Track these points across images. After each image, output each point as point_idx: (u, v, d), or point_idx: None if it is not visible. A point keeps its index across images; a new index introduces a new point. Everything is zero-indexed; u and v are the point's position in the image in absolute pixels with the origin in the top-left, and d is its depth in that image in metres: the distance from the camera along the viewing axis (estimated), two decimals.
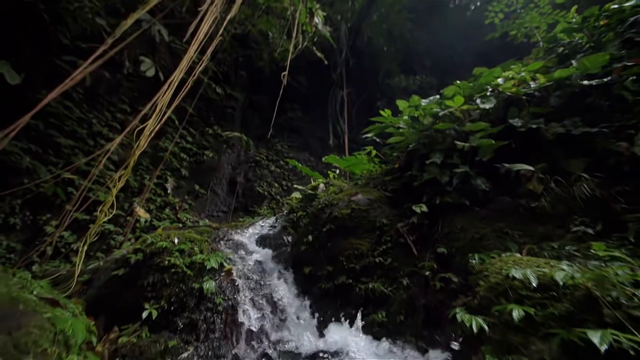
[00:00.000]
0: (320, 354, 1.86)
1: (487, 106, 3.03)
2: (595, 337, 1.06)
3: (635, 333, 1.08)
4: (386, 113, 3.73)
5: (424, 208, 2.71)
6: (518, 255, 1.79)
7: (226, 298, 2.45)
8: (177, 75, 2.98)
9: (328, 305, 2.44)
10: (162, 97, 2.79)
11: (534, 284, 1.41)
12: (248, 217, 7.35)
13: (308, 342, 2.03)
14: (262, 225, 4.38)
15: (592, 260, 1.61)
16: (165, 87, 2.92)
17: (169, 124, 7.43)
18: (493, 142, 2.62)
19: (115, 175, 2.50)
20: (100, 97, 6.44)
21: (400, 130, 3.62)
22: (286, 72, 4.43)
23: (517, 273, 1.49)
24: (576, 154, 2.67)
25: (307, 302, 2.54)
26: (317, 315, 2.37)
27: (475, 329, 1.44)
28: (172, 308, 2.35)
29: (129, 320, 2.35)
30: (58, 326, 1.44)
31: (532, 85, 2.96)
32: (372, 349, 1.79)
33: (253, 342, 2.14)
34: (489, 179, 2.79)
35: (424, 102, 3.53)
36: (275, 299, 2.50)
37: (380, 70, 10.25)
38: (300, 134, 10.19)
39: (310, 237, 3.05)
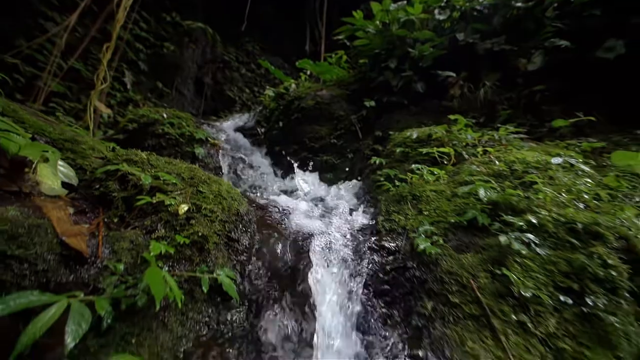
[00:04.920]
0: (286, 191, 3.02)
1: (441, 17, 3.67)
2: (424, 150, 2.21)
3: (445, 149, 2.24)
4: (358, 15, 4.17)
5: (373, 103, 3.65)
6: (419, 128, 2.88)
7: (214, 161, 3.41)
8: None
9: (293, 169, 3.56)
10: None
11: (414, 137, 2.52)
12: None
13: (277, 185, 3.19)
14: (238, 121, 5.14)
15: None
16: None
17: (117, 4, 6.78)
18: (432, 50, 3.41)
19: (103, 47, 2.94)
20: None
21: (369, 34, 4.17)
22: None
23: (408, 132, 2.59)
24: (495, 68, 3.62)
25: (277, 167, 3.64)
26: (284, 173, 3.49)
27: (377, 163, 2.59)
28: None
29: None
30: (107, 144, 2.29)
31: (480, 1, 3.60)
32: (323, 187, 3.01)
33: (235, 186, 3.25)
34: (428, 84, 3.71)
35: (393, 6, 4.00)
36: (252, 163, 3.54)
37: None
38: (273, 35, 9.81)
39: (280, 124, 3.95)
